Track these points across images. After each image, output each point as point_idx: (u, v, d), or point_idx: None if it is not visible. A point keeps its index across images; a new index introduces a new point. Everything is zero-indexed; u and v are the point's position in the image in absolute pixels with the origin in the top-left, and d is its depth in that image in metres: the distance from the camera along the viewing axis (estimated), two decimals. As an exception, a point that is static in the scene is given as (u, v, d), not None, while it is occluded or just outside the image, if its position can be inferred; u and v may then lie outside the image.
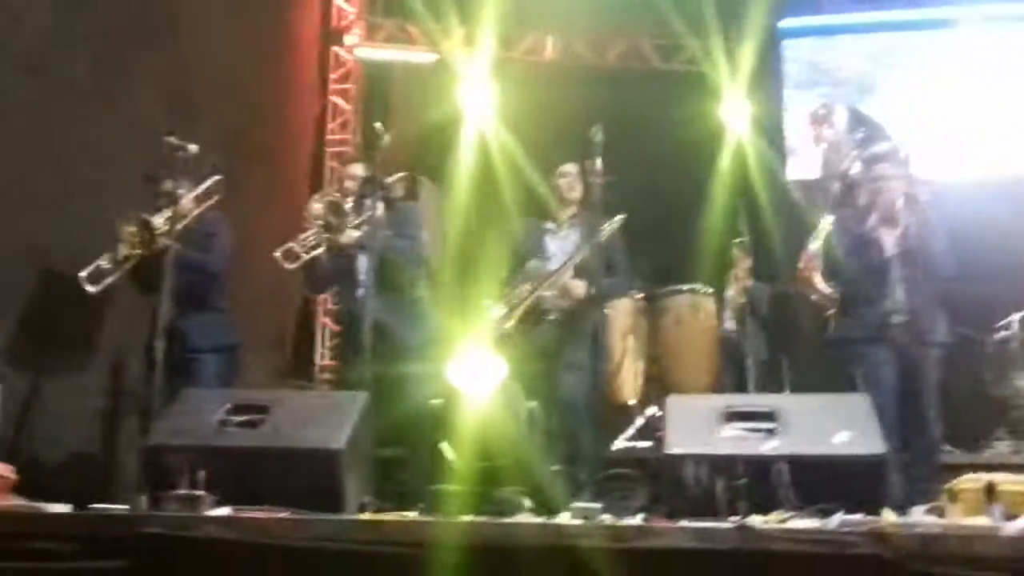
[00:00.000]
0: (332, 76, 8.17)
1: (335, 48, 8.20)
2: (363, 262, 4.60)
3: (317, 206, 4.72)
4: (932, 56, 7.86)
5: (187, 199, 4.69)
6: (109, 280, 4.49)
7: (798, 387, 5.82)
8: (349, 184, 4.97)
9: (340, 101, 8.16)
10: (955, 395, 4.69)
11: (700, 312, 6.09)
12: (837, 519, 2.82)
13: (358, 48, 8.23)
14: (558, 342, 4.52)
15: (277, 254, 4.71)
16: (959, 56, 7.75)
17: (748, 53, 7.46)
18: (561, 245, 4.90)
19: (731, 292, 6.12)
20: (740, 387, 6.00)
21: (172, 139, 4.31)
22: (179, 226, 4.38)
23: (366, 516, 3.07)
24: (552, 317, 4.66)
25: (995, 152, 7.44)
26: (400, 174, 4.91)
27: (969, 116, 7.53)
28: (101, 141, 5.30)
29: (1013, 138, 7.44)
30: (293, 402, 3.48)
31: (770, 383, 5.99)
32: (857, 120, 5.94)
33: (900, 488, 3.75)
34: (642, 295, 6.15)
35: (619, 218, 4.76)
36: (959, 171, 7.15)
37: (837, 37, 8.21)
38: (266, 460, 3.23)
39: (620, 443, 5.47)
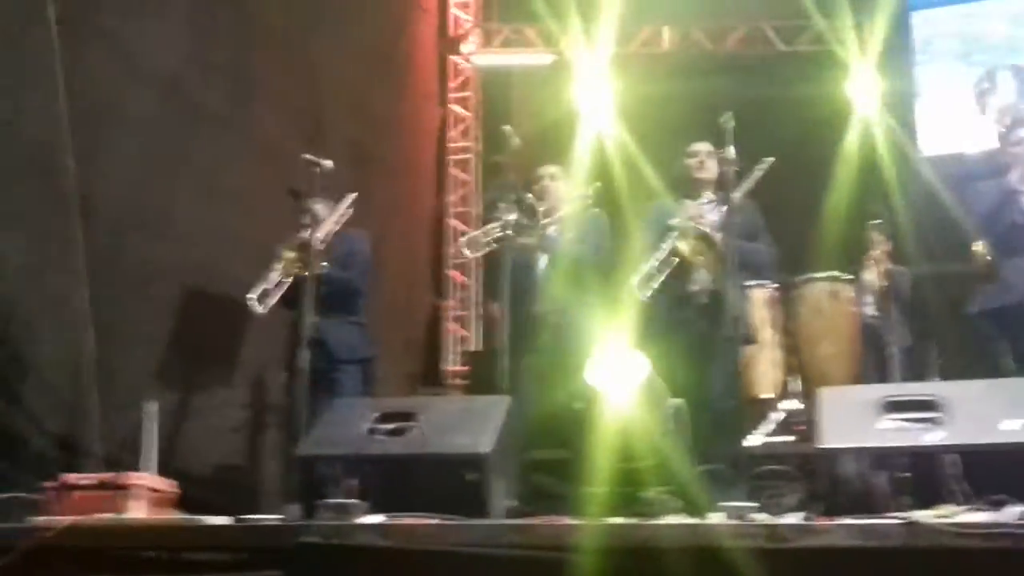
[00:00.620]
0: (451, 84, 8.26)
1: (452, 57, 8.28)
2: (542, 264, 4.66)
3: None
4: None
5: (329, 217, 4.76)
6: (271, 300, 4.57)
7: (946, 373, 5.56)
8: (548, 184, 4.94)
9: (460, 109, 8.24)
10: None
11: (839, 299, 5.85)
12: (1013, 512, 2.66)
13: (475, 55, 8.29)
14: (701, 330, 4.40)
15: (463, 241, 4.70)
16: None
17: (875, 27, 7.19)
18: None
19: (870, 276, 5.89)
20: (884, 376, 5.75)
21: (308, 156, 4.40)
22: (323, 244, 4.47)
23: (514, 520, 3.04)
24: (698, 301, 4.54)
25: None
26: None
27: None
28: (237, 162, 5.48)
29: None
30: (438, 408, 3.50)
31: (916, 370, 5.74)
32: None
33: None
34: (777, 285, 5.97)
35: (768, 160, 4.59)
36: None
37: (972, 4, 7.83)
38: (415, 467, 3.25)
39: (758, 438, 5.31)
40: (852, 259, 6.00)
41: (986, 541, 2.61)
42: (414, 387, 6.78)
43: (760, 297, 5.80)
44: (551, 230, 4.77)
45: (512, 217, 4.44)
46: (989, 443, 2.96)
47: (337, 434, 3.33)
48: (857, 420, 3.14)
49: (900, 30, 7.65)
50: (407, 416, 3.35)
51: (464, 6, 8.34)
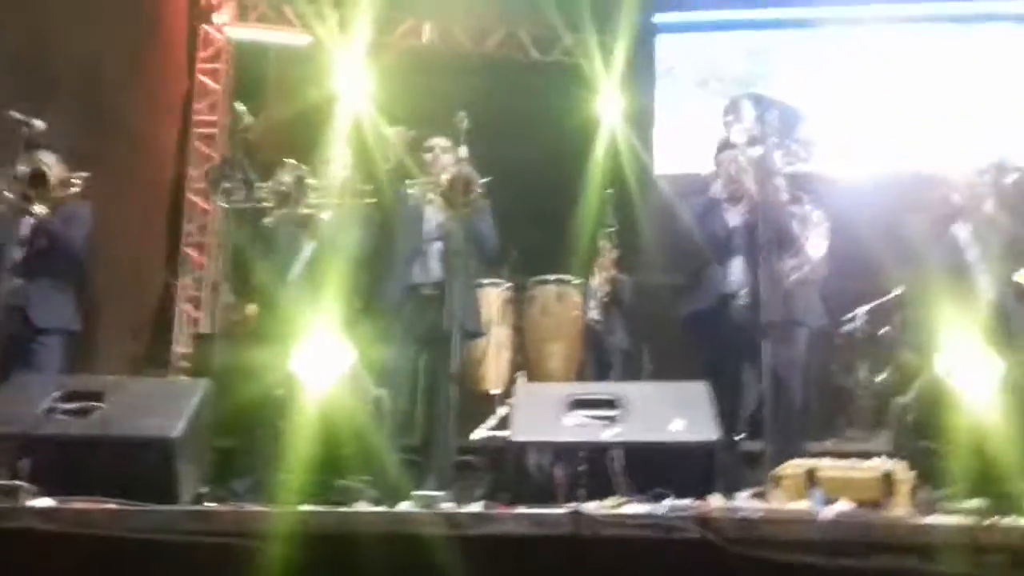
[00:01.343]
0: (201, 55, 7.95)
1: (204, 26, 7.98)
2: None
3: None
4: (809, 55, 8.12)
5: (60, 173, 4.43)
6: None
7: (658, 376, 5.96)
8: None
9: (209, 81, 7.95)
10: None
11: (566, 302, 6.17)
12: (667, 504, 2.89)
13: (229, 27, 8.02)
14: (424, 318, 4.48)
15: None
16: (834, 55, 8.05)
17: (621, 47, 7.57)
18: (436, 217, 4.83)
19: (596, 282, 6.24)
20: (603, 376, 6.13)
21: (16, 113, 4.12)
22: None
23: (195, 507, 3.00)
24: (425, 292, 4.62)
25: (872, 149, 7.73)
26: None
27: (846, 114, 7.81)
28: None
29: (888, 136, 7.75)
30: (130, 389, 3.38)
31: (632, 372, 6.14)
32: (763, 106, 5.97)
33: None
34: (510, 284, 6.20)
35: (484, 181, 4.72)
36: (839, 167, 7.43)
37: (713, 33, 8.39)
38: (97, 449, 3.12)
39: (481, 433, 5.49)
40: (582, 265, 6.33)
41: (642, 531, 2.83)
42: (139, 369, 6.48)
43: (494, 295, 6.01)
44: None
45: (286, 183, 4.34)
46: (656, 441, 3.22)
47: (10, 411, 3.15)
48: (545, 415, 3.33)
49: (645, 51, 8.11)
50: (95, 396, 3.22)
51: (224, -24, 8.06)
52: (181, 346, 7.23)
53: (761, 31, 8.27)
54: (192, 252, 7.60)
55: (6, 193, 4.11)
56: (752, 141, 4.77)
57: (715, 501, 2.97)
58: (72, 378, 3.55)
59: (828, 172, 7.21)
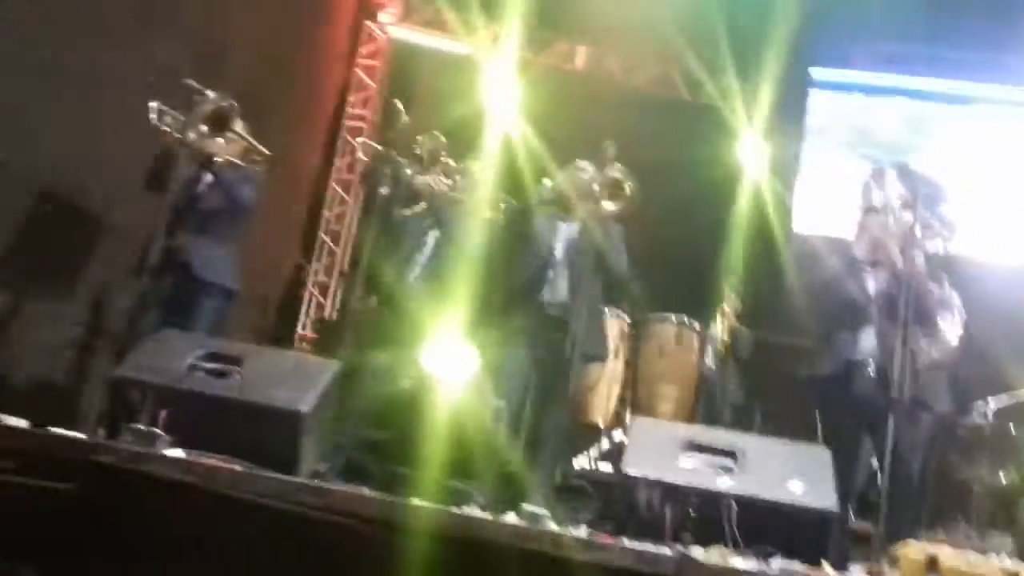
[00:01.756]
0: (361, 50, 8.19)
1: (368, 23, 8.23)
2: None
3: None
4: (964, 131, 7.89)
5: (237, 129, 4.64)
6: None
7: (768, 435, 5.83)
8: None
9: (365, 77, 8.18)
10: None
11: (684, 344, 6.10)
12: (778, 564, 2.84)
13: (392, 26, 8.25)
14: (546, 337, 4.52)
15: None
16: (990, 135, 7.80)
17: (771, 97, 7.49)
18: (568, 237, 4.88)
19: (716, 330, 6.16)
20: (712, 426, 6.01)
21: (192, 82, 4.33)
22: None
23: (314, 481, 3.08)
24: (551, 313, 4.66)
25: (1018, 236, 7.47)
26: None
27: (998, 198, 7.57)
28: (124, 80, 5.30)
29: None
30: (267, 359, 3.49)
31: (742, 426, 6.02)
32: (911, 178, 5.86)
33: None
34: (629, 318, 6.17)
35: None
36: (981, 251, 7.21)
37: (869, 96, 8.23)
38: (229, 411, 3.24)
39: (584, 461, 5.47)
40: (707, 311, 6.26)
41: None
42: (262, 344, 6.69)
43: (612, 326, 5.99)
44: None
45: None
46: (773, 499, 3.16)
47: (157, 363, 3.29)
48: (660, 453, 3.31)
49: (796, 104, 8.00)
50: (234, 360, 3.34)
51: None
52: (305, 329, 7.44)
53: (919, 101, 8.08)
54: (327, 239, 7.82)
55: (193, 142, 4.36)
56: (903, 207, 4.69)
57: (828, 570, 2.90)
58: (214, 340, 3.68)
59: (969, 255, 7.03)
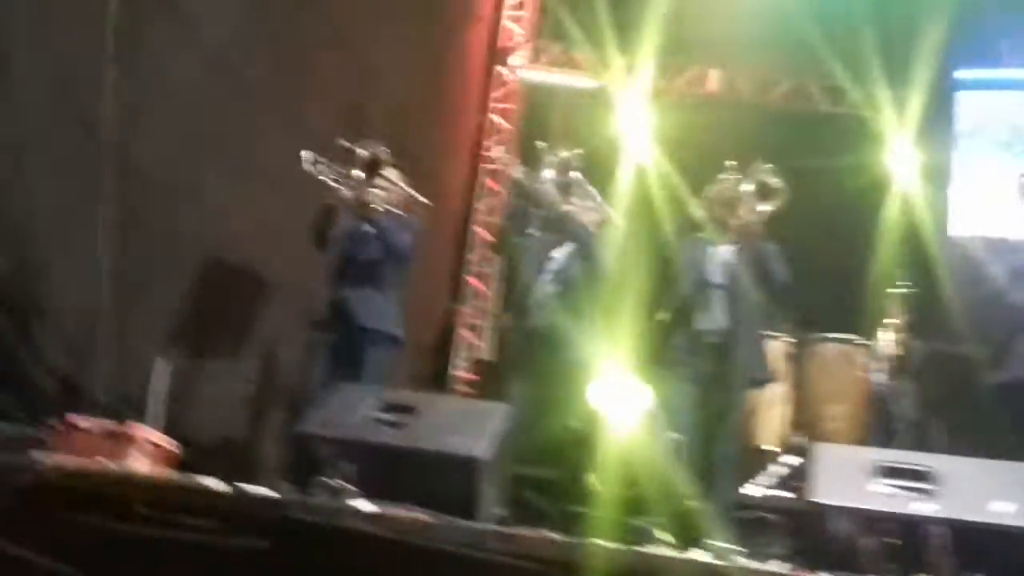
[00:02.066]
0: (494, 95, 8.32)
1: (499, 68, 8.35)
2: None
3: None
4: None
5: (392, 178, 4.78)
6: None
7: (948, 452, 5.53)
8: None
9: (499, 119, 8.30)
10: None
11: (851, 363, 5.88)
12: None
13: (522, 69, 8.35)
14: (711, 370, 4.42)
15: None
16: None
17: (916, 102, 7.22)
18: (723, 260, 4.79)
19: (884, 344, 5.90)
20: (887, 445, 5.75)
21: (344, 142, 4.48)
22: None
23: (501, 527, 3.07)
24: (711, 340, 4.57)
25: None
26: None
27: None
28: (275, 141, 5.52)
29: None
30: (440, 406, 3.53)
31: (919, 444, 5.72)
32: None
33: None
34: (793, 339, 5.99)
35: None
36: None
37: (1016, 92, 7.83)
38: (409, 460, 3.28)
39: (755, 488, 5.30)
40: (869, 325, 6.02)
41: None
42: (420, 389, 6.79)
43: (775, 348, 5.81)
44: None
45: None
46: (978, 521, 2.98)
47: (338, 417, 3.37)
48: (849, 480, 3.17)
49: (942, 107, 7.67)
50: (408, 409, 3.39)
51: (517, 19, 8.41)
52: (459, 370, 7.52)
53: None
54: (473, 280, 7.92)
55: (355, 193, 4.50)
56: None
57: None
58: (386, 391, 3.75)
59: None
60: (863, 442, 5.58)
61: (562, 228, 4.69)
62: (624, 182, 6.97)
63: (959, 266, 6.39)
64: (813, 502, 3.17)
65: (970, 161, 7.66)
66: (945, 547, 2.97)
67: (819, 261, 6.76)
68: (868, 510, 3.10)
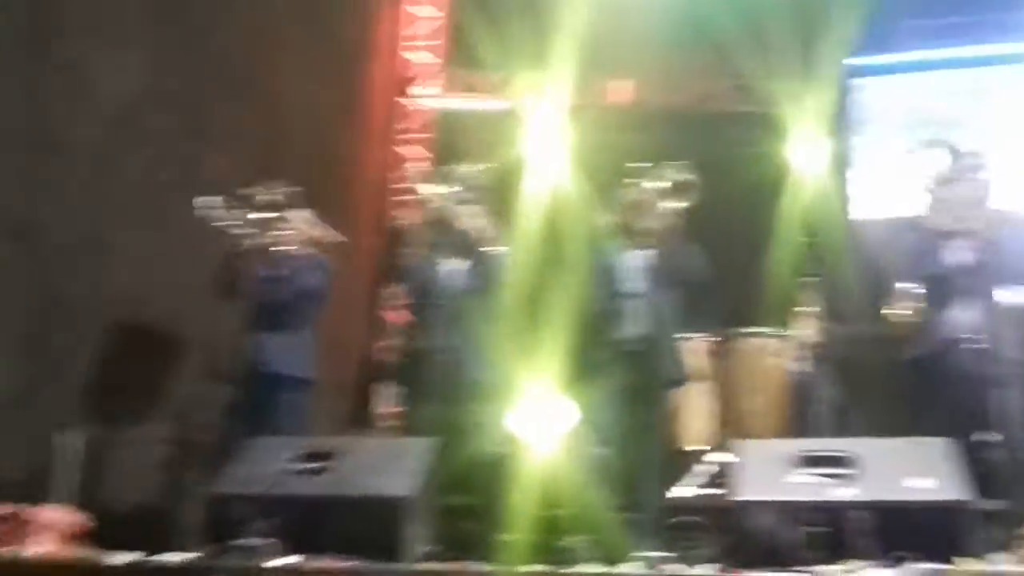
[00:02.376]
0: (405, 125, 8.29)
1: (404, 99, 8.33)
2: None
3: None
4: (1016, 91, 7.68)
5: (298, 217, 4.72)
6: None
7: (871, 433, 5.62)
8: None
9: (412, 150, 8.27)
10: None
11: (767, 355, 5.95)
12: (915, 569, 2.71)
13: (429, 98, 8.35)
14: (631, 378, 4.43)
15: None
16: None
17: (817, 93, 7.38)
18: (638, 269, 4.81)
19: (800, 333, 6.00)
20: (811, 432, 5.84)
21: (245, 190, 4.42)
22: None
23: (429, 566, 3.04)
24: (629, 348, 4.58)
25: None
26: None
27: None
28: (184, 194, 5.40)
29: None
30: (358, 449, 3.48)
31: (843, 428, 5.82)
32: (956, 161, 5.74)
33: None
34: (714, 337, 6.05)
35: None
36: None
37: (916, 75, 8.05)
38: (332, 508, 3.23)
39: (682, 491, 5.32)
40: (786, 316, 6.12)
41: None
42: (343, 428, 6.69)
43: (697, 347, 5.87)
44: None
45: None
46: (897, 500, 3.03)
47: (255, 472, 3.30)
48: (771, 473, 3.20)
49: (842, 96, 7.86)
50: (327, 456, 3.33)
51: (420, 48, 8.40)
52: (383, 406, 7.41)
53: (970, 69, 7.87)
54: (391, 314, 7.84)
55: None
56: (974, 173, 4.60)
57: (967, 565, 2.76)
58: (303, 439, 3.68)
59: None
60: (788, 433, 5.66)
61: (461, 247, 4.66)
62: (537, 198, 7.00)
63: (864, 249, 6.55)
64: (736, 500, 3.19)
65: (870, 147, 7.85)
66: (867, 529, 3.01)
67: (735, 257, 6.86)
68: (791, 501, 3.12)
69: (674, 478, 5.16)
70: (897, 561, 2.86)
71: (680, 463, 5.47)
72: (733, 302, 6.43)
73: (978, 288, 4.41)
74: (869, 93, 8.00)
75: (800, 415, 5.93)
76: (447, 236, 4.62)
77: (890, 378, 5.27)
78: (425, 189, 5.05)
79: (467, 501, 3.62)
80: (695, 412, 5.76)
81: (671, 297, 4.57)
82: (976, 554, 2.95)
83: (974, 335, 4.33)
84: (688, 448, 5.67)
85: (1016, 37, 7.62)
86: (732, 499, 3.25)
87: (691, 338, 5.69)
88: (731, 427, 5.80)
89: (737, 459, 3.36)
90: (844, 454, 3.20)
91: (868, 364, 5.86)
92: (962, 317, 4.39)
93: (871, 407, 6.01)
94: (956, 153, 4.72)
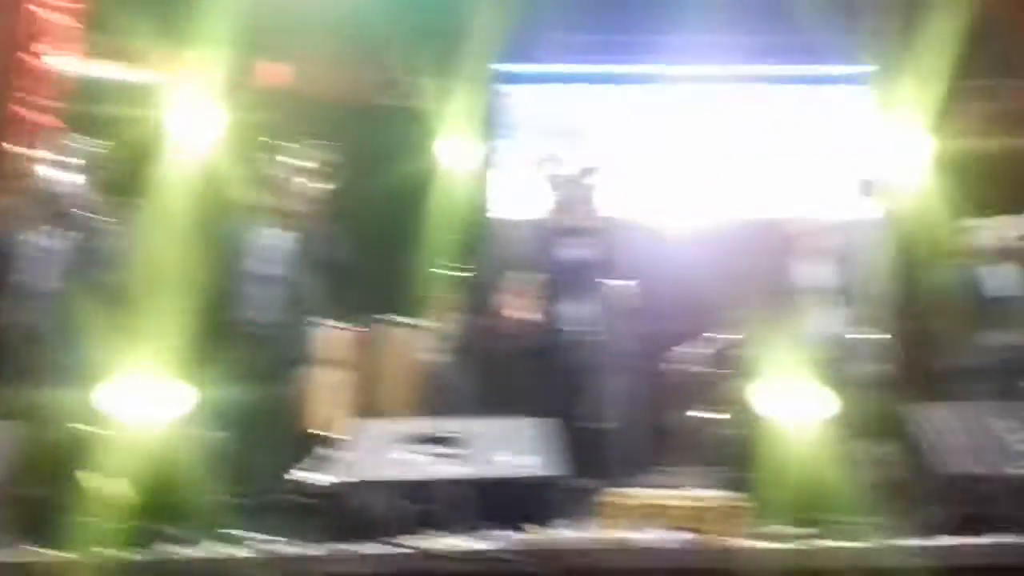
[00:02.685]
0: (24, 86, 7.56)
1: (34, 57, 7.60)
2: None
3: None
4: (650, 107, 8.39)
5: None
6: None
7: (501, 415, 5.90)
8: None
9: (35, 116, 7.56)
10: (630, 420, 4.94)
11: (405, 344, 6.09)
12: (504, 538, 2.87)
13: (61, 59, 7.68)
14: (256, 353, 4.33)
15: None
16: (673, 110, 8.34)
17: (465, 94, 7.65)
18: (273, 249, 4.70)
19: (437, 324, 6.19)
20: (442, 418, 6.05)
21: None
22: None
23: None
24: (257, 328, 4.47)
25: (709, 201, 8.03)
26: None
27: (684, 167, 8.11)
28: None
29: (724, 189, 8.08)
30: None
31: (473, 413, 6.07)
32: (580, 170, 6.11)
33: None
34: (353, 325, 6.08)
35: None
36: (678, 217, 7.72)
37: (556, 86, 8.56)
38: None
39: (301, 474, 5.30)
40: (426, 307, 6.28)
41: (473, 565, 2.81)
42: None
43: (331, 334, 5.87)
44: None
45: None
46: (492, 476, 3.20)
47: None
48: (377, 453, 3.26)
49: (489, 100, 8.21)
50: None
51: (53, 7, 7.71)
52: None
53: (607, 85, 8.51)
54: None
55: None
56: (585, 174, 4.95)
57: (553, 533, 2.96)
58: None
59: (653, 220, 7.57)
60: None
61: (65, 221, 4.33)
62: (174, 174, 6.67)
63: (501, 246, 6.89)
64: (345, 480, 3.22)
65: (513, 151, 8.25)
66: (466, 503, 3.15)
67: (379, 248, 6.95)
68: (397, 480, 3.20)
69: (300, 461, 5.12)
70: (493, 532, 3.00)
71: (309, 447, 5.44)
72: (376, 292, 6.51)
73: (591, 283, 4.75)
74: (516, 100, 8.42)
75: (434, 404, 6.12)
76: (52, 209, 4.25)
77: (514, 366, 5.55)
78: (37, 157, 4.62)
79: (50, 486, 3.34)
80: (330, 398, 5.76)
81: (310, 281, 4.51)
82: (561, 524, 3.18)
83: (587, 327, 4.67)
84: (320, 432, 5.66)
85: (651, 58, 8.39)
86: (341, 479, 3.27)
87: (332, 325, 5.71)
88: (364, 413, 5.87)
89: (349, 440, 3.38)
90: (445, 433, 3.32)
91: (499, 354, 6.13)
92: (576, 310, 4.72)
93: (501, 396, 6.33)
94: (576, 161, 5.08)
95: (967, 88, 7.60)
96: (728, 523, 2.96)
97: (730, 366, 5.54)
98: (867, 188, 5.26)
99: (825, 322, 4.87)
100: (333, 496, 3.70)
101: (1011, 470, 3.05)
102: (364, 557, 2.83)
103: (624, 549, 2.77)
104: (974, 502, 3.12)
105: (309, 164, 4.55)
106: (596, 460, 4.18)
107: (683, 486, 3.98)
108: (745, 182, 8.09)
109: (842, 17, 7.51)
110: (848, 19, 7.54)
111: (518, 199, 7.69)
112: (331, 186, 4.73)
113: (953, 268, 5.09)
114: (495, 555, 2.74)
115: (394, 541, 3.03)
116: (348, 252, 4.77)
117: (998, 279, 4.87)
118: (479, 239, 7.06)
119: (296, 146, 4.77)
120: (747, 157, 8.16)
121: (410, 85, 7.92)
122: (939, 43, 6.81)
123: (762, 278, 5.43)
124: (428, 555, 2.75)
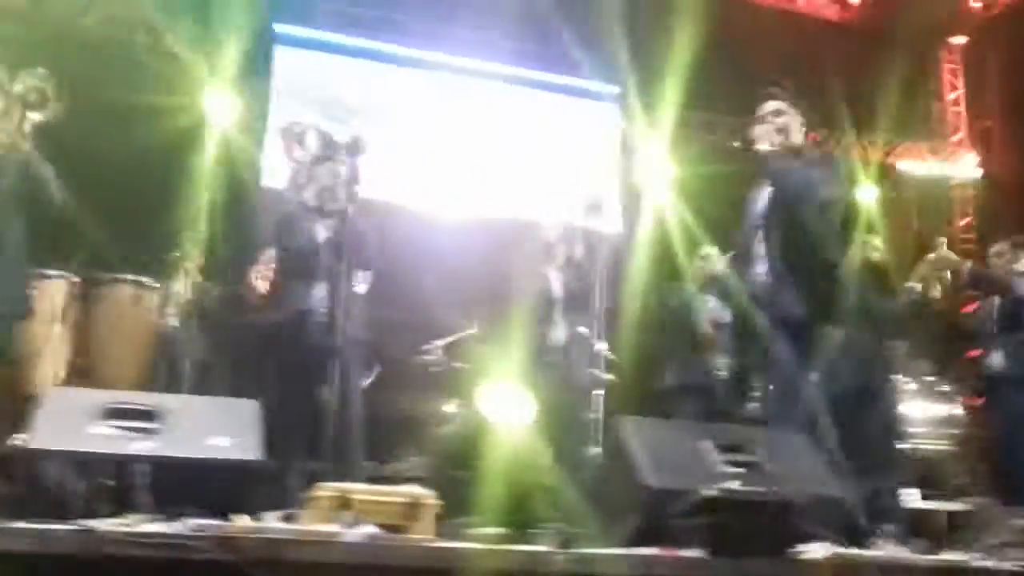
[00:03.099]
0: None
1: None
2: None
3: None
4: (419, 93, 8.37)
5: None
6: None
7: (236, 390, 5.73)
8: None
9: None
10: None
11: (140, 305, 5.76)
12: (188, 523, 2.75)
13: None
14: None
15: None
16: (443, 99, 8.36)
17: (236, 49, 7.35)
18: None
19: (177, 287, 5.91)
20: (174, 387, 5.79)
21: None
22: None
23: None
24: None
25: (471, 193, 8.10)
26: None
27: (448, 157, 8.14)
28: None
29: (486, 183, 8.18)
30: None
31: (207, 385, 5.85)
32: (326, 146, 6.01)
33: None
34: (79, 279, 5.68)
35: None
36: (436, 207, 7.78)
37: (330, 55, 8.37)
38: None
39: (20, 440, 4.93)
40: (164, 268, 5.96)
41: (159, 551, 2.68)
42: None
43: (56, 288, 5.46)
44: None
45: None
46: (189, 456, 3.07)
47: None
48: (72, 423, 3.05)
49: (262, 58, 7.92)
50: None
51: None
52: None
53: (376, 62, 8.41)
54: None
55: None
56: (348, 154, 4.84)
57: (240, 521, 2.87)
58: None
59: (416, 209, 7.60)
60: (147, 386, 5.53)
61: None
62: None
63: (267, 215, 6.67)
64: (27, 448, 3.00)
65: (283, 114, 7.98)
66: (158, 484, 3.01)
67: (121, 199, 6.54)
68: (84, 452, 3.01)
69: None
70: (179, 516, 2.88)
71: (27, 409, 5.05)
72: (111, 244, 6.10)
73: (333, 266, 4.66)
74: (287, 63, 8.17)
75: (164, 369, 5.83)
76: None
77: (247, 341, 5.39)
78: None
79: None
80: (48, 356, 5.37)
81: (15, 224, 4.14)
82: (262, 513, 3.10)
83: (324, 309, 4.59)
84: (37, 394, 5.26)
85: (426, 43, 8.37)
86: (24, 447, 3.04)
87: (49, 275, 5.32)
88: (86, 375, 5.52)
89: (38, 408, 3.15)
90: (150, 408, 3.16)
91: (233, 327, 5.94)
92: (315, 291, 4.63)
93: (238, 368, 6.12)
94: (327, 137, 4.97)
95: (696, 119, 8.16)
96: (416, 520, 2.98)
97: (461, 361, 5.65)
98: (598, 204, 5.45)
99: (558, 329, 5.04)
100: (15, 464, 3.46)
101: (705, 489, 3.24)
102: (23, 532, 2.64)
103: (305, 541, 2.73)
104: (668, 516, 3.31)
105: (29, 86, 4.14)
106: (313, 447, 4.12)
107: (396, 478, 4.03)
108: (500, 181, 8.26)
109: (598, 37, 7.80)
110: (605, 40, 7.84)
111: (279, 170, 7.51)
112: (51, 113, 4.29)
113: (676, 290, 5.43)
114: (171, 539, 2.62)
115: (72, 519, 2.83)
116: (58, 194, 4.31)
117: (714, 305, 5.23)
118: (237, 204, 6.82)
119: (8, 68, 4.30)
120: (503, 157, 8.34)
121: (177, 31, 7.51)
122: (675, 74, 7.22)
123: (509, 278, 5.55)
124: (96, 536, 2.60)
